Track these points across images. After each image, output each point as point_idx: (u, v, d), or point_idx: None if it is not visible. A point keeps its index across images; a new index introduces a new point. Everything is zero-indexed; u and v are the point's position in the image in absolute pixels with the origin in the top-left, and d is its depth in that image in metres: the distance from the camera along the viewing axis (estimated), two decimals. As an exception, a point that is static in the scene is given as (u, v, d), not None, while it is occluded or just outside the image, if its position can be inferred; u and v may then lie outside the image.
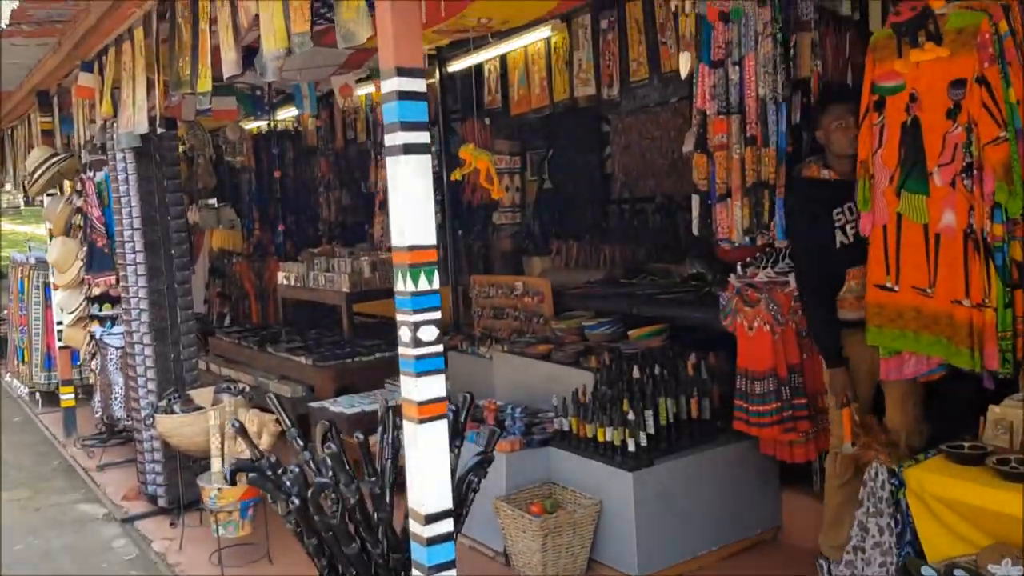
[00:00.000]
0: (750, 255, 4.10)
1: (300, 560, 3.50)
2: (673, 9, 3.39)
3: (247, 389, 4.97)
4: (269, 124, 9.57)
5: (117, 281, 5.63)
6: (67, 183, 6.98)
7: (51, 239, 6.85)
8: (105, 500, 5.70)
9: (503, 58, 6.45)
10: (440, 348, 2.44)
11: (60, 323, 6.96)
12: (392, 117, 2.35)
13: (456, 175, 5.11)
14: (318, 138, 9.01)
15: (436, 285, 2.43)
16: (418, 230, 2.39)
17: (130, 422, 5.73)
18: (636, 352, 4.53)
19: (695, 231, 4.06)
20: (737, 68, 3.81)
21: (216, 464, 4.49)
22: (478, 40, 5.73)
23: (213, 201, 10.49)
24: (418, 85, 2.36)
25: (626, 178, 7.54)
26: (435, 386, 2.40)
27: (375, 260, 6.92)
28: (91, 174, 5.90)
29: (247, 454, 4.26)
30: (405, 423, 2.46)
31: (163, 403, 4.93)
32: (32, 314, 8.39)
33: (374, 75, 6.72)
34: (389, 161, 2.41)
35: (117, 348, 5.74)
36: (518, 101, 6.36)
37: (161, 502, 5.21)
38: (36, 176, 6.54)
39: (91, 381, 6.26)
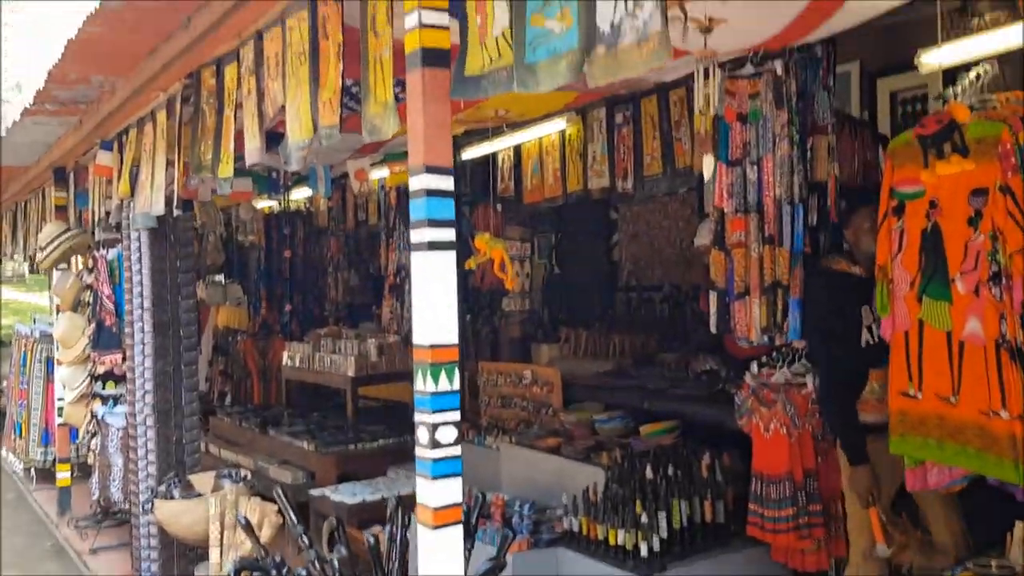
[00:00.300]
0: (764, 352, 4.06)
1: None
2: (698, 108, 3.40)
3: (248, 476, 4.86)
4: (281, 204, 9.66)
5: (123, 360, 5.58)
6: (78, 259, 6.99)
7: (58, 314, 6.82)
8: (96, 587, 5.53)
9: (517, 147, 6.52)
10: (458, 450, 2.38)
11: (61, 399, 6.88)
12: (420, 214, 2.34)
13: (471, 264, 5.10)
14: (329, 219, 9.06)
15: (457, 385, 2.38)
16: (441, 328, 2.35)
17: (127, 505, 5.59)
18: (648, 450, 4.44)
19: (713, 329, 4.02)
20: (755, 168, 3.83)
21: (214, 555, 4.36)
22: (494, 129, 5.80)
23: (220, 278, 10.50)
24: (446, 183, 2.36)
25: (634, 266, 7.56)
26: (452, 490, 2.33)
27: (382, 343, 6.87)
28: (104, 252, 5.91)
29: (247, 544, 4.14)
30: (419, 529, 2.37)
31: (163, 487, 4.82)
32: (33, 388, 8.31)
33: (389, 159, 6.80)
34: (414, 257, 2.39)
35: (118, 428, 5.65)
36: (531, 190, 6.40)
37: (154, 591, 5.05)
38: (48, 251, 6.55)
39: (89, 461, 6.15)
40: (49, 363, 7.90)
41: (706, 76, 3.25)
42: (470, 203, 7.24)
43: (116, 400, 5.88)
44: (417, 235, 2.37)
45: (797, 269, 3.64)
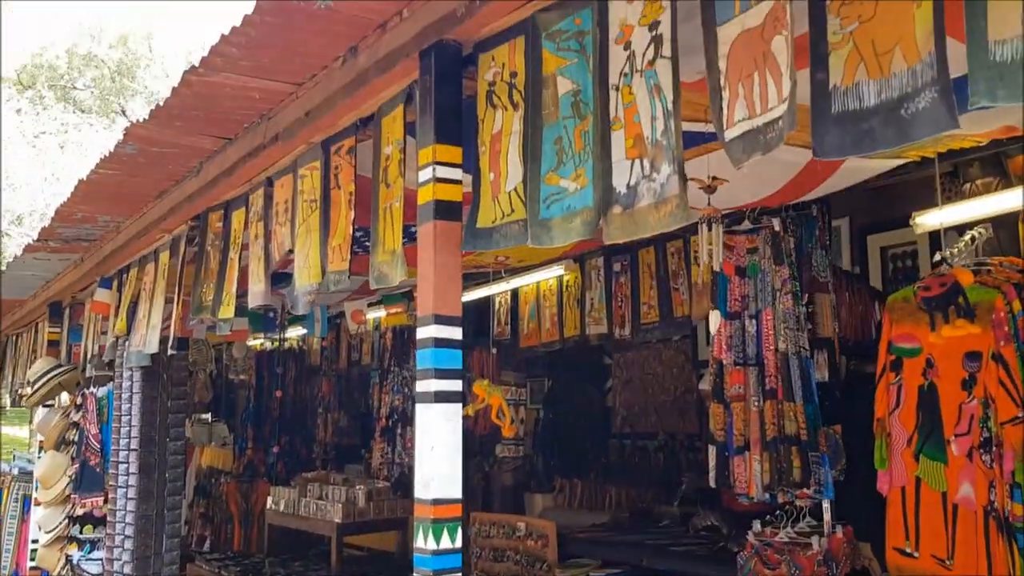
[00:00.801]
0: (764, 508, 3.96)
1: None
2: (702, 260, 3.45)
3: (228, 630, 4.62)
4: (274, 343, 9.64)
5: (105, 501, 5.41)
6: (65, 395, 6.88)
7: (40, 452, 6.65)
8: None
9: (515, 291, 6.59)
10: (461, 617, 2.27)
11: (36, 541, 6.61)
12: (426, 363, 2.31)
13: (468, 411, 5.04)
14: (322, 358, 9.02)
15: (459, 543, 2.29)
16: (444, 482, 2.28)
17: (95, 659, 5.29)
18: (649, 610, 4.26)
19: (712, 483, 3.94)
20: (754, 321, 3.86)
21: None
22: (493, 273, 5.88)
23: (207, 416, 10.35)
24: (455, 333, 2.35)
25: (628, 413, 7.49)
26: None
27: (371, 489, 6.69)
28: (94, 390, 5.83)
29: None
30: None
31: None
32: (5, 528, 8.00)
33: (386, 301, 6.85)
34: (419, 408, 2.35)
35: (94, 575, 5.40)
36: (528, 334, 6.42)
37: None
38: (37, 386, 6.46)
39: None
40: (26, 502, 7.64)
41: (709, 229, 3.32)
42: (468, 348, 7.24)
43: (93, 545, 5.65)
44: (423, 385, 2.34)
45: (819, 425, 3.60)
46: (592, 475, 6.83)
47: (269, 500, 7.51)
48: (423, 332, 2.38)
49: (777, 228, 3.85)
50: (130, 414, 5.02)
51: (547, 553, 5.39)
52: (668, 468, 6.71)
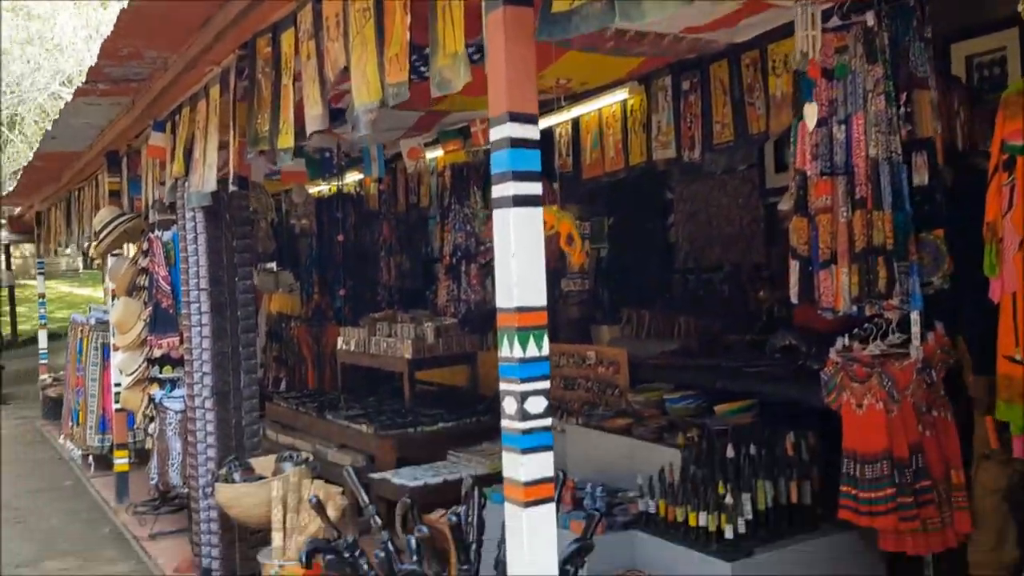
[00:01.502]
0: (843, 327, 3.80)
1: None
2: (800, 54, 3.14)
3: (311, 459, 4.74)
4: (331, 188, 9.56)
5: (180, 342, 5.50)
6: (132, 246, 6.94)
7: (113, 299, 6.77)
8: (156, 572, 5.46)
9: (575, 121, 6.31)
10: (549, 422, 2.19)
11: (118, 385, 6.84)
12: (502, 166, 2.15)
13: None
14: (380, 202, 8.94)
15: (547, 350, 2.19)
16: (529, 290, 2.16)
17: (186, 489, 5.52)
18: (726, 429, 4.22)
19: (793, 299, 3.78)
20: (843, 127, 3.58)
21: (277, 539, 4.24)
22: (550, 104, 5.61)
23: (272, 265, 10.46)
24: (531, 132, 2.17)
25: (691, 247, 7.31)
26: (543, 465, 2.15)
27: (439, 326, 6.72)
28: (159, 233, 5.83)
29: (311, 528, 4.01)
30: (508, 507, 2.19)
31: (223, 471, 4.72)
32: (89, 375, 8.31)
33: (442, 138, 6.64)
34: (497, 215, 2.21)
35: (177, 412, 5.57)
36: (591, 164, 6.19)
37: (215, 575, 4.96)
38: (102, 236, 6.50)
39: (147, 446, 6.09)
40: (105, 349, 7.88)
41: (807, 16, 3.01)
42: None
43: (174, 384, 5.80)
44: (500, 190, 2.18)
45: (912, 233, 3.38)
46: (658, 306, 6.74)
47: (339, 340, 7.64)
48: (497, 133, 2.20)
49: (870, 23, 3.50)
50: (196, 255, 5.00)
51: (618, 379, 5.38)
52: (735, 299, 6.57)
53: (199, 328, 4.99)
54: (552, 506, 2.15)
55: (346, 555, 2.63)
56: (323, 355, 8.96)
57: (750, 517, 3.64)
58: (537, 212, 2.21)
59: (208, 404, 4.97)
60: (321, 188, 9.80)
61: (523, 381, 2.15)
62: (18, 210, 12.98)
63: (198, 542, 5.08)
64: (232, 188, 4.52)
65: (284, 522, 4.29)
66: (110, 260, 6.94)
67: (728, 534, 3.56)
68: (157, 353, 5.82)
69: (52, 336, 14.26)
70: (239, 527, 4.71)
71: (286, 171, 6.72)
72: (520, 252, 2.15)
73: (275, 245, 10.37)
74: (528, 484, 2.12)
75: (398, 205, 8.72)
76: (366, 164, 6.78)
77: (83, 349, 8.54)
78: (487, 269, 6.63)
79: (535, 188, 2.18)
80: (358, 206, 9.35)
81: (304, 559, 2.63)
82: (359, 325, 7.50)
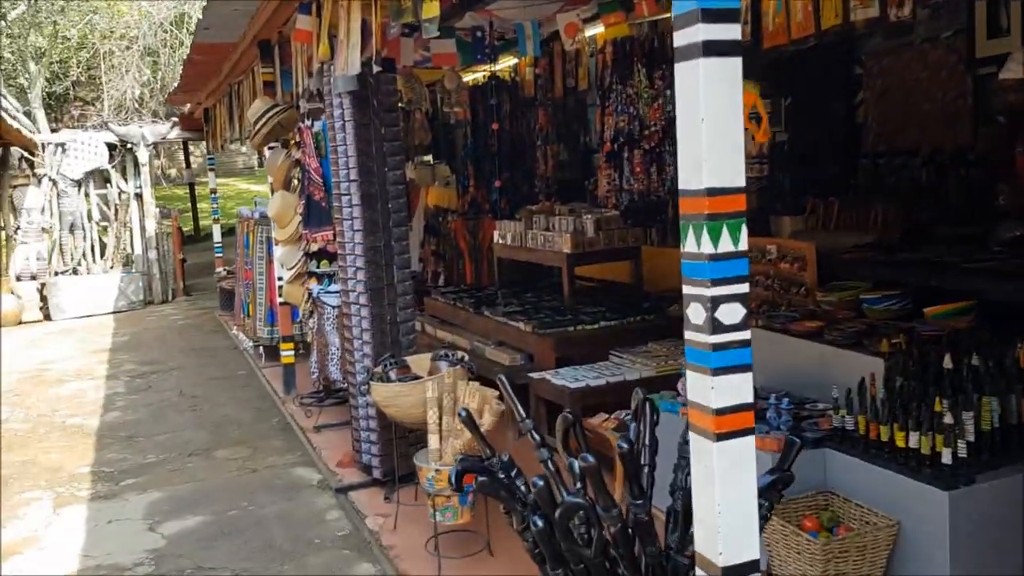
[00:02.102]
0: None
1: (524, 557, 2.96)
2: None
3: (466, 358, 4.49)
4: (485, 75, 9.14)
5: (334, 237, 5.34)
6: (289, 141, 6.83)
7: (272, 193, 6.73)
8: (320, 465, 5.47)
9: (756, -17, 5.53)
10: (748, 335, 1.74)
11: (281, 279, 6.86)
12: (688, 3, 1.65)
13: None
14: (536, 88, 8.45)
15: (744, 245, 1.73)
16: (723, 166, 1.69)
17: (345, 384, 5.46)
18: (940, 334, 3.61)
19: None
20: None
21: (433, 441, 4.05)
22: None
23: (428, 158, 10.26)
24: (726, -42, 1.65)
25: (882, 128, 6.42)
26: (740, 388, 1.72)
27: (599, 219, 6.27)
28: (309, 123, 5.63)
29: (467, 433, 3.76)
30: (693, 438, 1.79)
31: (379, 369, 4.56)
32: (256, 269, 8.46)
33: (602, 10, 6.03)
34: (681, 71, 1.72)
35: (334, 307, 5.47)
36: (773, 32, 5.41)
37: (376, 473, 4.88)
38: (258, 127, 6.40)
39: (308, 339, 6.07)
40: (269, 243, 7.95)
41: None
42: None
43: (330, 278, 5.70)
44: (684, 36, 1.69)
45: None
46: (848, 195, 6.00)
47: (496, 235, 7.35)
48: (682, -39, 1.68)
49: None
50: (345, 144, 4.75)
51: (805, 276, 4.79)
52: (936, 186, 5.73)
53: (350, 222, 4.78)
54: (751, 439, 1.72)
55: (500, 475, 2.32)
56: (480, 249, 8.74)
57: (972, 439, 3.08)
58: (735, 65, 1.70)
59: (362, 300, 4.80)
60: (475, 76, 9.41)
61: (714, 283, 1.70)
62: (188, 107, 13.36)
63: (358, 438, 5.01)
64: (377, 69, 4.18)
65: (440, 424, 4.08)
66: (267, 153, 6.87)
67: (946, 458, 3.02)
68: (313, 247, 5.71)
69: (227, 231, 14.87)
70: (397, 426, 4.56)
71: (437, 54, 6.34)
72: (712, 117, 1.67)
73: (431, 137, 10.13)
74: (720, 412, 1.70)
75: (554, 90, 8.21)
76: (520, 44, 6.29)
77: (250, 243, 8.69)
78: (652, 156, 6.08)
79: (732, 32, 1.68)
80: (512, 93, 8.90)
81: (453, 479, 2.35)
82: (515, 218, 7.17)
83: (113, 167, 13.88)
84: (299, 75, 5.81)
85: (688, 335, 1.77)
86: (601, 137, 6.45)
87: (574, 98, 8.25)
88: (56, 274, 13.16)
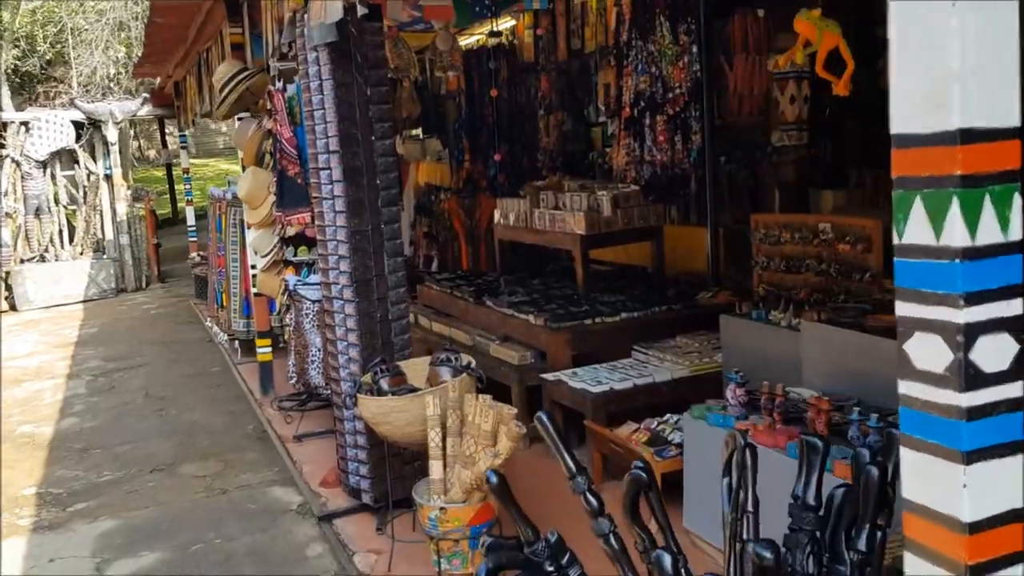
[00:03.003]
0: None
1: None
2: None
3: (472, 364, 3.74)
4: (480, 41, 8.35)
5: (312, 219, 4.56)
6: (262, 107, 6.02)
7: (243, 171, 5.93)
8: (301, 484, 4.72)
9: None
10: (1020, 389, 1.00)
11: (254, 267, 6.08)
12: None
13: (783, 61, 3.57)
14: (537, 51, 7.65)
15: (1019, 231, 0.98)
16: (991, 94, 0.94)
17: (328, 391, 4.71)
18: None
19: None
20: None
21: (436, 469, 3.31)
22: None
23: (418, 132, 9.46)
24: None
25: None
26: (1006, 489, 0.98)
27: (616, 195, 5.52)
28: (280, 85, 4.83)
29: (480, 464, 3.03)
30: (915, 563, 1.04)
31: (368, 376, 3.82)
32: (229, 255, 7.66)
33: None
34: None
35: (313, 302, 4.70)
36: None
37: (365, 498, 4.14)
38: (224, 94, 5.59)
39: (285, 337, 5.29)
40: (243, 227, 7.14)
41: None
42: (723, 11, 5.57)
43: (309, 267, 4.93)
44: None
45: None
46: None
47: (496, 214, 6.59)
48: None
49: None
50: (323, 107, 3.97)
51: (870, 260, 4.05)
52: None
53: (331, 201, 4.01)
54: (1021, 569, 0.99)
55: (549, 568, 1.58)
56: (476, 230, 7.98)
57: None
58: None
59: (347, 294, 4.03)
60: (468, 41, 8.60)
61: (970, 301, 0.96)
62: (158, 81, 12.50)
63: (344, 456, 4.26)
64: (362, 12, 3.40)
65: (444, 448, 3.34)
66: (237, 124, 6.07)
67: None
68: (290, 232, 4.93)
69: (202, 214, 14.02)
70: (391, 445, 3.82)
71: (430, 7, 5.54)
72: (975, 10, 0.92)
73: (420, 109, 9.32)
74: (977, 528, 0.96)
75: (557, 52, 7.43)
76: (526, -3, 5.51)
77: (222, 227, 7.89)
78: (677, 122, 5.31)
79: None
80: (510, 59, 8.09)
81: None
82: (519, 196, 6.40)
83: (81, 147, 12.98)
84: (270, 35, 5.01)
85: (909, 388, 1.02)
86: (618, 102, 5.67)
87: (579, 62, 7.48)
88: (21, 261, 12.30)
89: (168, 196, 19.75)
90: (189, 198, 11.95)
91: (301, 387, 5.04)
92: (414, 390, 3.61)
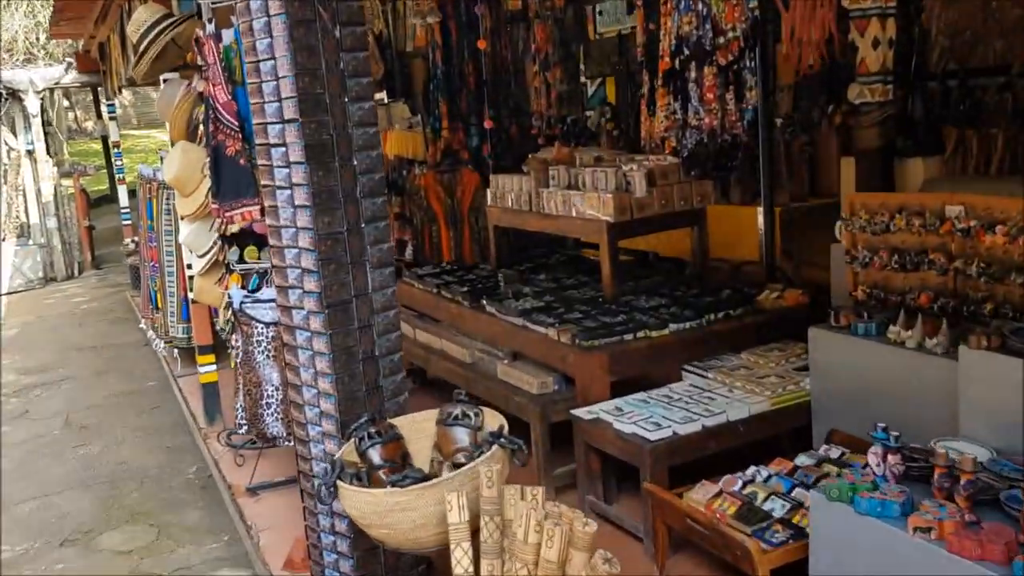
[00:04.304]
0: None
1: None
2: None
3: (505, 429, 2.57)
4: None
5: (262, 212, 3.35)
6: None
7: (172, 146, 4.64)
8: (259, 565, 3.56)
9: None
10: None
11: (190, 267, 4.84)
12: None
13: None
14: (525, -3, 6.42)
15: None
16: None
17: (290, 442, 3.52)
18: None
19: None
20: None
21: (466, 607, 2.16)
22: None
23: (382, 96, 8.19)
24: None
25: (951, 43, 4.63)
26: None
27: (652, 170, 4.37)
28: (212, 29, 3.56)
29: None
30: None
31: (349, 445, 2.65)
32: (164, 247, 6.37)
33: None
34: None
35: (268, 325, 3.49)
36: None
37: (348, 600, 2.98)
38: (143, 48, 4.31)
39: (232, 366, 4.06)
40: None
41: None
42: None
43: (262, 277, 3.71)
44: None
45: None
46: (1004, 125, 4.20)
47: (489, 194, 5.41)
48: None
49: None
50: (272, 57, 2.74)
51: (1038, 259, 2.96)
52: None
53: (288, 191, 2.80)
54: None
55: None
56: (458, 211, 6.76)
57: None
58: None
59: (315, 324, 2.84)
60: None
61: None
62: (81, 43, 11.03)
63: (316, 543, 3.09)
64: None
65: (476, 569, 2.19)
66: (163, 86, 4.78)
67: None
68: (232, 228, 3.69)
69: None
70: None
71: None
72: None
73: (383, 69, 8.06)
74: None
75: (554, -4, 6.22)
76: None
77: (153, 212, 6.58)
78: (728, 75, 4.16)
79: None
80: (493, 5, 6.84)
81: None
82: (522, 171, 5.22)
83: (-2, 120, 11.52)
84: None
85: None
86: (657, 52, 4.46)
87: (574, 7, 6.30)
88: (-70, 251, 10.86)
89: (107, 171, 18.18)
90: (120, 176, 10.52)
91: (255, 436, 3.82)
92: (424, 476, 2.45)
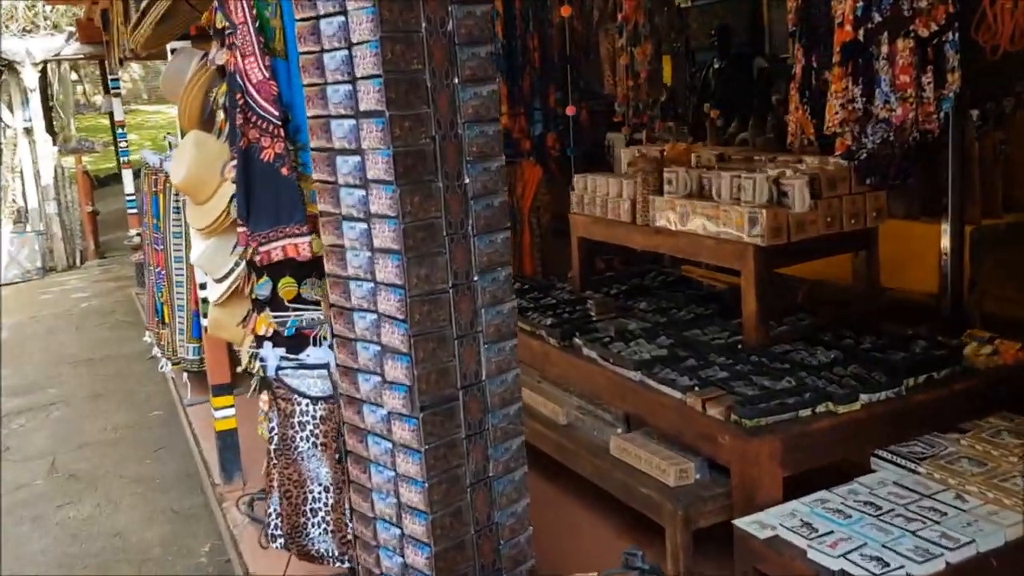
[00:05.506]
0: None
1: None
2: None
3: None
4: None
5: (311, 245, 2.31)
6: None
7: (182, 137, 3.57)
8: None
9: None
10: None
11: (203, 287, 3.81)
12: None
13: None
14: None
15: None
16: None
17: (344, 563, 2.50)
18: None
19: None
20: None
21: None
22: None
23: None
24: None
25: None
26: None
27: (816, 175, 3.31)
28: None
29: None
30: None
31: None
32: (172, 251, 5.33)
33: None
34: None
35: (317, 401, 2.44)
36: None
37: None
38: (144, 5, 3.24)
39: (266, 469, 2.96)
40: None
41: None
42: None
43: (309, 333, 2.63)
44: None
45: None
46: None
47: (572, 198, 4.36)
48: None
49: None
50: (343, 11, 1.69)
51: None
52: None
53: (363, 225, 1.77)
54: None
55: None
56: (517, 212, 5.72)
57: None
58: None
59: (403, 433, 1.81)
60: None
61: None
62: (83, 11, 9.99)
63: None
64: None
65: None
66: (170, 59, 3.72)
67: None
68: (268, 258, 2.63)
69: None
70: None
71: None
72: None
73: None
74: None
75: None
76: None
77: (159, 209, 5.54)
78: (926, 52, 3.08)
79: None
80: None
81: None
82: (625, 175, 4.16)
83: (-11, 94, 10.52)
84: None
85: None
86: (802, 18, 3.39)
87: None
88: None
89: (114, 149, 17.19)
90: (124, 159, 9.46)
91: (295, 554, 2.77)
92: None
